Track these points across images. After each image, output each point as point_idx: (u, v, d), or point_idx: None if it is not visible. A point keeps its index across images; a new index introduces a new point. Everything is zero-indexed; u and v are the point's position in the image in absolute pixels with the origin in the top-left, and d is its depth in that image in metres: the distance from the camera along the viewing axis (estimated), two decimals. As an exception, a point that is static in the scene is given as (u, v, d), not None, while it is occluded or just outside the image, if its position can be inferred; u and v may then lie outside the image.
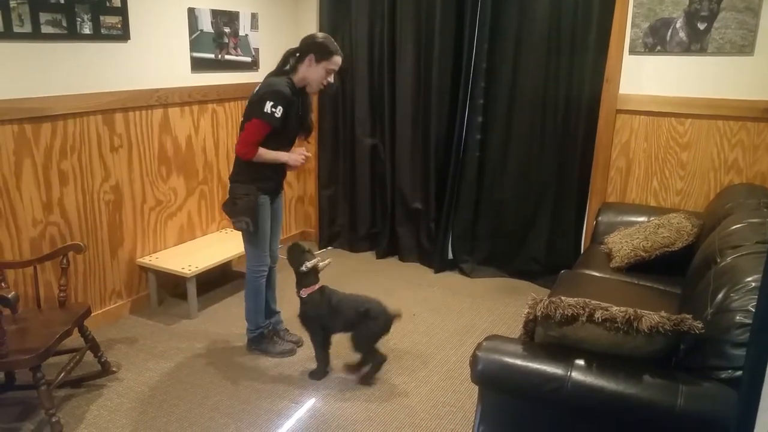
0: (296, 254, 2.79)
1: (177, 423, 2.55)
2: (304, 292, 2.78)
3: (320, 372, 2.85)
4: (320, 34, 2.80)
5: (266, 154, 2.74)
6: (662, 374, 1.69)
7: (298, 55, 2.76)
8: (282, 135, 2.79)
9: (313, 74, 2.73)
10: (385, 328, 2.76)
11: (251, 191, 2.79)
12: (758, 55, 3.19)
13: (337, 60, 2.74)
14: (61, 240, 3.09)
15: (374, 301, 2.77)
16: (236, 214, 2.83)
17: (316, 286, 2.79)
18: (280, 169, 2.91)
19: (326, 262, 2.83)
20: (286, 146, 2.89)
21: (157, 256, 3.58)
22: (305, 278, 2.77)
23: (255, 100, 2.70)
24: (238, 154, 2.74)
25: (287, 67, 2.77)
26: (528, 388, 1.76)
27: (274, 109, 2.63)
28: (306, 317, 2.80)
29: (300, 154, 2.83)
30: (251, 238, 2.89)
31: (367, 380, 2.83)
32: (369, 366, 2.84)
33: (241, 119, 2.83)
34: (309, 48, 2.71)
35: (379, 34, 4.23)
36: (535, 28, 3.71)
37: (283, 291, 3.36)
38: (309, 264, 2.74)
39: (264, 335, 3.08)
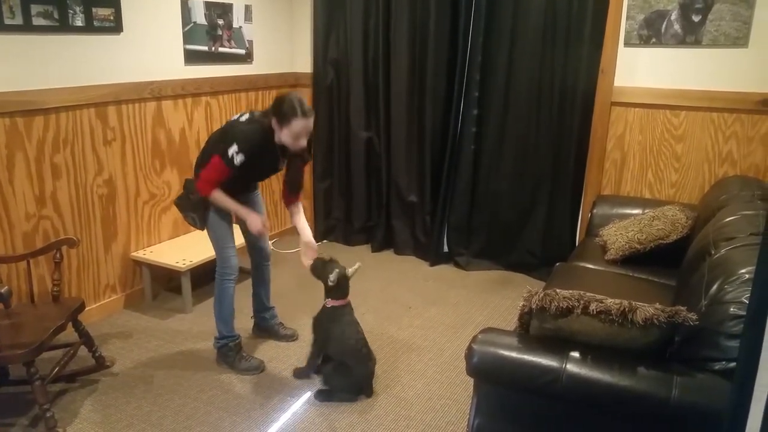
0: (320, 269, 2.68)
1: (172, 417, 2.55)
2: (330, 303, 2.67)
3: (305, 373, 2.81)
4: (287, 96, 2.53)
5: (222, 199, 2.64)
6: (657, 366, 1.69)
7: None
8: (246, 178, 2.73)
9: (283, 138, 2.57)
10: (358, 384, 2.70)
11: None
12: (752, 47, 3.19)
13: (298, 123, 2.49)
14: (55, 234, 3.07)
15: (365, 357, 2.69)
16: (185, 209, 2.81)
17: (343, 302, 2.68)
18: (247, 173, 2.68)
19: (355, 267, 2.70)
20: (256, 180, 2.87)
21: (151, 250, 3.57)
22: (334, 290, 2.65)
23: (221, 135, 2.62)
24: (198, 189, 2.65)
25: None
26: (523, 380, 1.77)
27: (236, 155, 2.51)
28: (318, 324, 2.70)
29: (263, 223, 2.71)
30: (210, 237, 2.82)
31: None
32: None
33: (204, 145, 2.76)
34: (272, 111, 2.54)
35: (374, 26, 4.21)
36: (530, 20, 3.70)
37: (280, 286, 3.36)
38: (332, 277, 2.60)
39: (230, 348, 2.90)
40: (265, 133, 2.58)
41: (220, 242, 2.82)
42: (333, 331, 2.65)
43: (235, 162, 2.53)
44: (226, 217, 2.80)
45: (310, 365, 2.79)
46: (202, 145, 2.77)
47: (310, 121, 2.55)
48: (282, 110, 2.50)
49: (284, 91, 2.53)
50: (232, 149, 2.52)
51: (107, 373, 2.85)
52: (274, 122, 2.55)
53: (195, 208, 2.76)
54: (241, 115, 2.67)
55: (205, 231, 2.83)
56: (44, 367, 2.53)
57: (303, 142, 2.60)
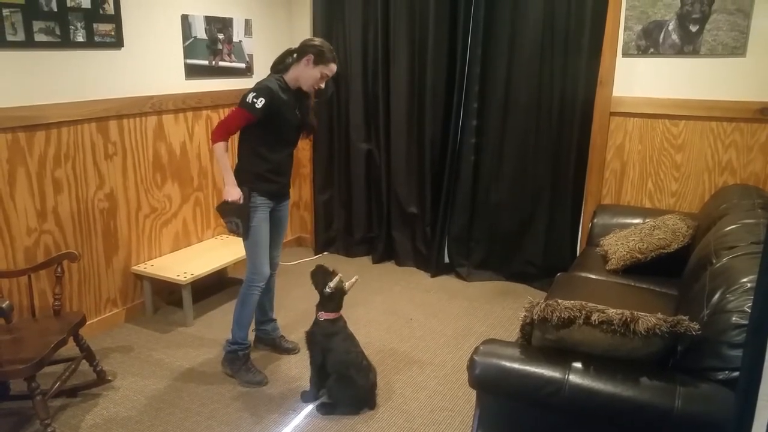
0: (320, 277, 2.68)
1: None
2: (322, 316, 2.67)
3: (311, 395, 2.76)
4: (321, 40, 2.82)
5: (222, 157, 2.69)
6: (660, 376, 1.69)
7: (295, 55, 2.76)
8: (279, 132, 2.77)
9: (307, 75, 2.74)
10: (363, 397, 2.69)
11: (245, 192, 2.75)
12: (750, 57, 3.21)
13: (333, 68, 2.77)
14: (56, 248, 3.07)
15: (366, 369, 2.68)
16: (227, 214, 2.79)
17: (336, 315, 2.69)
18: (282, 169, 2.86)
19: (353, 280, 2.71)
20: (287, 146, 2.86)
21: (152, 264, 3.57)
22: (328, 302, 2.66)
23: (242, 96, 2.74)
24: (211, 136, 2.74)
25: (282, 65, 2.80)
26: (526, 391, 1.76)
27: (255, 100, 2.62)
28: (313, 339, 2.69)
29: (240, 197, 2.73)
30: (245, 243, 2.84)
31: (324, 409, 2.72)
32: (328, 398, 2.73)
33: None
34: (309, 49, 2.73)
35: (373, 39, 4.24)
36: (529, 32, 3.72)
37: (281, 298, 3.35)
38: (332, 284, 2.62)
39: (239, 356, 2.92)
40: (280, 83, 2.74)
41: (255, 249, 2.83)
42: (330, 346, 2.64)
43: (257, 105, 2.63)
44: (266, 223, 2.83)
45: (314, 385, 2.76)
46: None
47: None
48: (322, 51, 2.73)
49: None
50: (250, 96, 2.65)
51: (108, 388, 2.84)
52: (308, 58, 2.71)
53: (236, 213, 2.76)
54: None
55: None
56: (45, 381, 2.52)
57: (323, 85, 2.83)
